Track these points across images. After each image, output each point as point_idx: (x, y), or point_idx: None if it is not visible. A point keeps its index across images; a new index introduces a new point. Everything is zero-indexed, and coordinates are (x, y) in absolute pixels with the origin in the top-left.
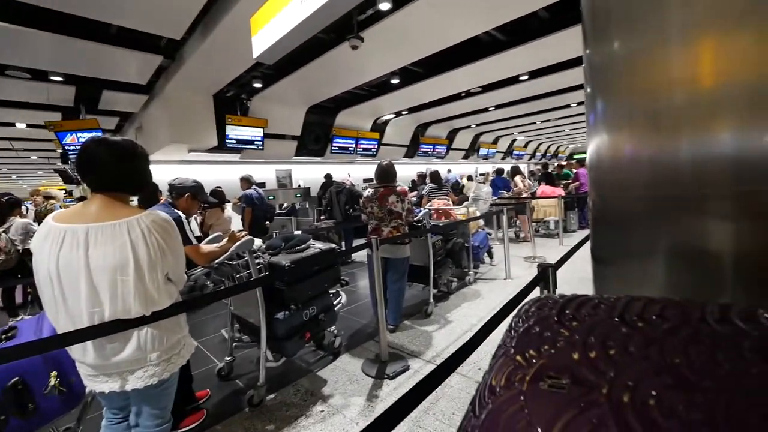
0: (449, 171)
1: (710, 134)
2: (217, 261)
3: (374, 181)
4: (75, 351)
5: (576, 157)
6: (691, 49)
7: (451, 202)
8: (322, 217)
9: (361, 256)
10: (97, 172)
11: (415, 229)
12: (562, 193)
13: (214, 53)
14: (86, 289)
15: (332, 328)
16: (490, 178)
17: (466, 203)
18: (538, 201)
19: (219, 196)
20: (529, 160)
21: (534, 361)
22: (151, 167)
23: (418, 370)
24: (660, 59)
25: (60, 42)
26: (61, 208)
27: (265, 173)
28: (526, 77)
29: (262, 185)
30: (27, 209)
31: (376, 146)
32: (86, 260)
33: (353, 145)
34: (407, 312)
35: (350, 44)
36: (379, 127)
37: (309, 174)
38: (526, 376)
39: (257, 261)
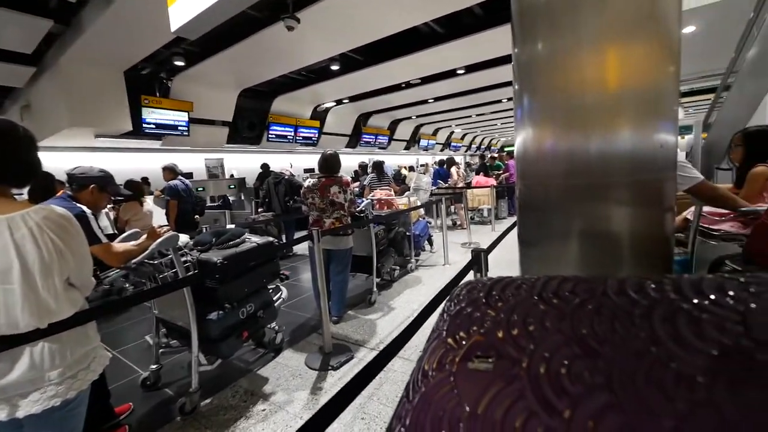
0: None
1: (613, 131)
2: (134, 261)
3: (316, 171)
4: None
5: (507, 149)
6: (599, 55)
7: (393, 192)
8: (260, 210)
9: (303, 248)
10: None
11: (357, 220)
12: (495, 183)
13: (120, 22)
14: None
15: (273, 324)
16: (431, 168)
17: (407, 193)
18: (473, 190)
19: (135, 187)
20: (466, 151)
21: (464, 342)
22: (49, 155)
23: (363, 358)
24: (574, 61)
25: None
26: None
27: (192, 162)
28: (462, 71)
29: (188, 175)
30: None
31: (316, 135)
32: None
33: (292, 133)
34: (351, 302)
35: (285, 24)
36: (320, 115)
37: (243, 164)
38: (456, 358)
39: (184, 259)
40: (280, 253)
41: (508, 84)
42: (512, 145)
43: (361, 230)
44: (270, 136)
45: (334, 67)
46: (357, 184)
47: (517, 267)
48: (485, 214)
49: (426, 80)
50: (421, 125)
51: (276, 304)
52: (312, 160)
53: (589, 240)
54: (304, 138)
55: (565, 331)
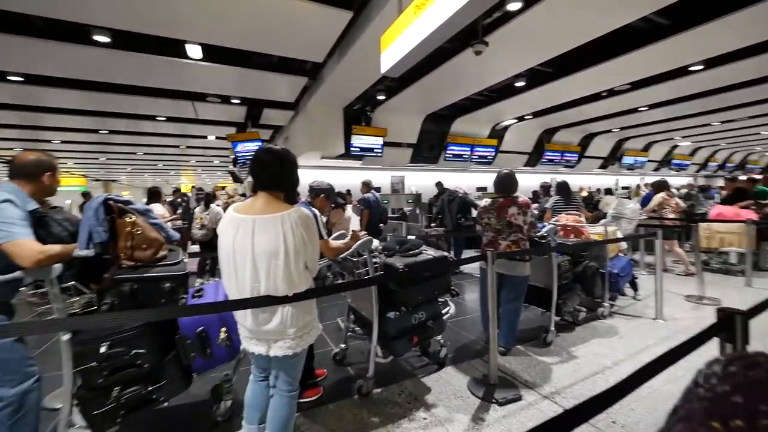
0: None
1: None
2: (341, 256)
3: (490, 190)
4: (239, 315)
5: None
6: None
7: (583, 219)
8: (432, 224)
9: (469, 267)
10: (264, 173)
11: (537, 246)
12: (753, 216)
13: (348, 71)
14: (250, 268)
15: (439, 337)
16: (643, 192)
17: (603, 221)
18: (710, 225)
19: (343, 198)
20: (697, 171)
21: None
22: None
23: (533, 403)
24: None
25: (240, 73)
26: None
27: (381, 178)
28: (699, 67)
29: (378, 190)
30: None
31: (493, 153)
32: (252, 245)
33: (468, 153)
34: (521, 336)
35: (474, 50)
36: (498, 133)
37: (420, 180)
38: None
39: (375, 260)
40: (453, 268)
41: None
42: None
43: (541, 258)
44: (447, 155)
45: (519, 84)
46: (536, 205)
47: None
48: (733, 260)
49: (637, 84)
50: (626, 139)
51: (444, 318)
52: (485, 178)
53: None
54: (480, 157)
55: None
